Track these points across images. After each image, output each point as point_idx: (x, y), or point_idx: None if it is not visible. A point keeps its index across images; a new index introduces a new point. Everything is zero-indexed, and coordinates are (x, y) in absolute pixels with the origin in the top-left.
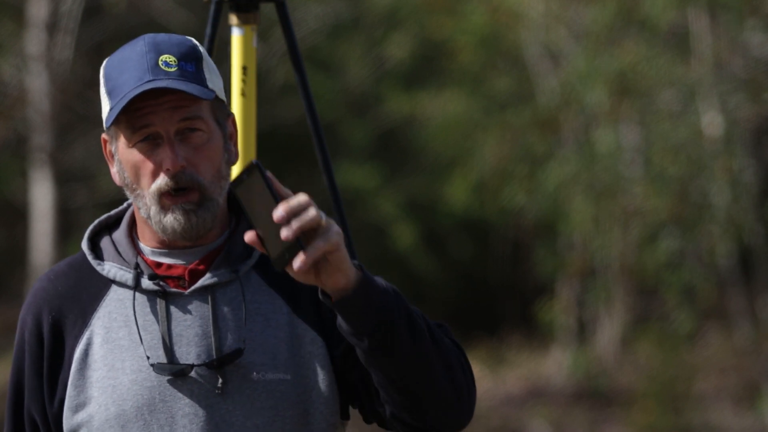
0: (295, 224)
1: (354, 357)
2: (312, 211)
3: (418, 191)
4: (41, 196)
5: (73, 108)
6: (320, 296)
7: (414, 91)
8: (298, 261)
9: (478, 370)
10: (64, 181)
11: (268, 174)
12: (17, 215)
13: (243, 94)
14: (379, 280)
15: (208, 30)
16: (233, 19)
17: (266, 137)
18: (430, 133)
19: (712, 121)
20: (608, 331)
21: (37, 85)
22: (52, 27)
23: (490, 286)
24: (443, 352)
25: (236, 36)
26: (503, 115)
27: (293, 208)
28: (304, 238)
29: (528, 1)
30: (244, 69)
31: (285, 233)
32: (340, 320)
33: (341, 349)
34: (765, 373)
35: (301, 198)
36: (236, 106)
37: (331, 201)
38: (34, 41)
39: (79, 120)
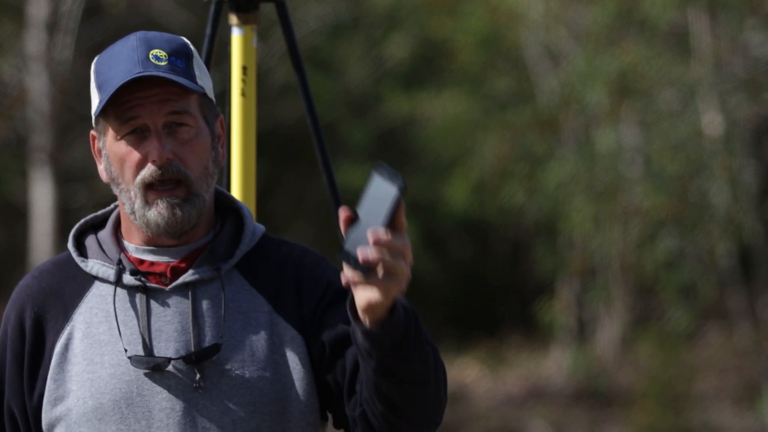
0: (380, 256)
1: (330, 361)
2: (403, 265)
3: (418, 191)
4: (41, 196)
5: (73, 108)
6: (348, 308)
7: (414, 92)
8: (350, 277)
9: (478, 370)
10: (64, 181)
11: (402, 201)
12: (17, 215)
13: (243, 94)
14: (402, 301)
15: (208, 30)
16: (233, 19)
17: (266, 137)
18: (429, 134)
19: (712, 121)
20: (608, 331)
21: (37, 85)
22: (52, 27)
23: (490, 286)
24: (438, 374)
25: (236, 36)
26: (503, 115)
27: (395, 245)
28: (374, 268)
29: (528, 1)
30: (244, 69)
31: (365, 254)
32: (356, 333)
33: (318, 350)
34: (765, 373)
35: (407, 243)
36: (236, 106)
37: (331, 201)
38: (34, 41)
39: (79, 120)
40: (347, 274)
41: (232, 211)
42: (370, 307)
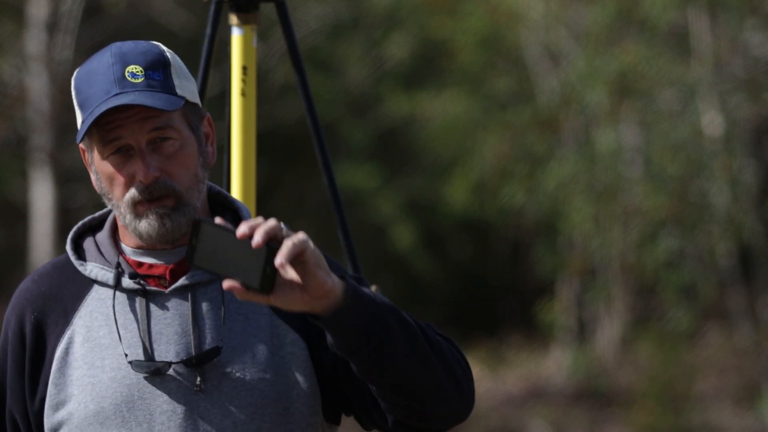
0: (261, 230)
1: (345, 367)
2: (271, 221)
3: (418, 191)
4: (41, 196)
5: (73, 108)
6: (309, 319)
7: (414, 92)
8: (279, 257)
9: (478, 370)
10: (64, 181)
11: (216, 220)
12: (17, 215)
13: (243, 94)
14: (364, 287)
15: (208, 30)
16: (233, 19)
17: (266, 137)
18: (429, 134)
19: (712, 121)
20: (608, 331)
21: (37, 85)
22: (52, 27)
23: (490, 286)
24: (438, 348)
25: (236, 36)
26: (503, 115)
27: (252, 224)
28: (274, 244)
29: (528, 2)
30: (244, 69)
31: (255, 241)
32: (333, 337)
33: (330, 357)
34: (765, 373)
35: (256, 218)
36: (236, 106)
37: (331, 201)
38: (34, 41)
39: None
40: (280, 262)
41: (231, 211)
42: (318, 283)
